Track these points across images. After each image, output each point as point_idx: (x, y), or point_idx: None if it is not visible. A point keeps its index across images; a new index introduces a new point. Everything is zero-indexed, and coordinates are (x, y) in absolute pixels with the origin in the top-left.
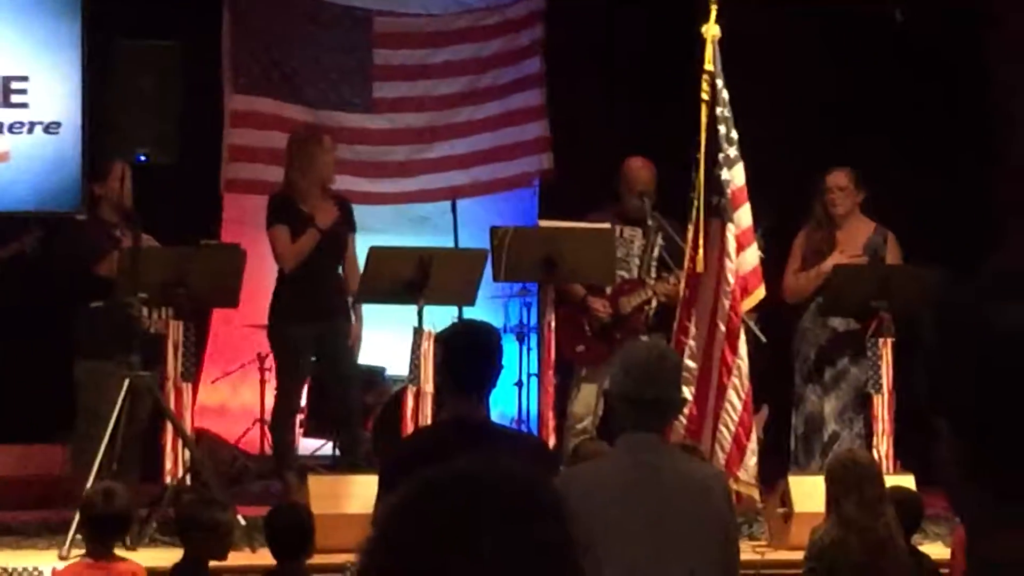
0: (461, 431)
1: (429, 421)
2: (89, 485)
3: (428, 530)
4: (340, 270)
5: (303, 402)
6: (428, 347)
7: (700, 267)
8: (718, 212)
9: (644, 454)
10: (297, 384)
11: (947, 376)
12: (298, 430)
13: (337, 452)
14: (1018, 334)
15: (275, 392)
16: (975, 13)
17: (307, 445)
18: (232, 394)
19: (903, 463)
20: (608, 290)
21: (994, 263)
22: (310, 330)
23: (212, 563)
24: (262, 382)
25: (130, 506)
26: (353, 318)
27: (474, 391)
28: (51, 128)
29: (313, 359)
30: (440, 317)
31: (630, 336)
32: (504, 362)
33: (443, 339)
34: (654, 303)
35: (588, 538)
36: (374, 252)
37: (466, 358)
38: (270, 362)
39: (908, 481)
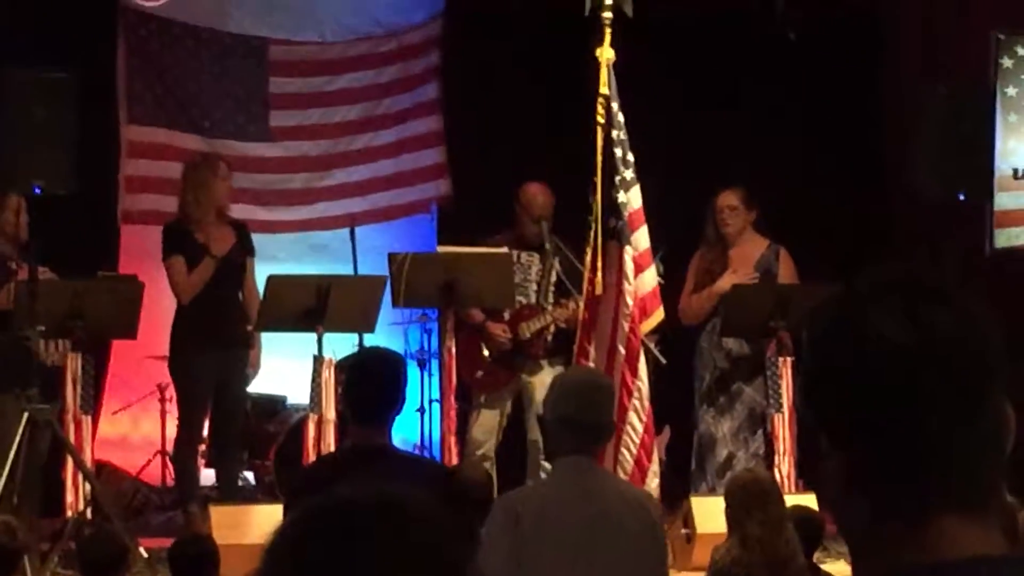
0: (363, 458)
1: (332, 449)
2: None
3: (304, 560)
4: (240, 296)
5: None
6: (328, 375)
7: (599, 290)
8: (616, 235)
9: (584, 476)
10: (199, 414)
11: (821, 386)
12: (199, 460)
13: (215, 483)
14: (885, 341)
15: (177, 423)
16: (869, 28)
17: (208, 475)
18: (133, 426)
19: (805, 482)
20: (507, 316)
21: (867, 273)
22: (211, 359)
23: None
24: (163, 413)
25: (26, 540)
26: (253, 345)
27: (377, 418)
28: None
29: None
30: (340, 344)
31: (529, 362)
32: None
33: (347, 366)
34: (552, 328)
35: (538, 558)
36: (273, 280)
37: (370, 385)
38: (170, 392)
39: (810, 500)
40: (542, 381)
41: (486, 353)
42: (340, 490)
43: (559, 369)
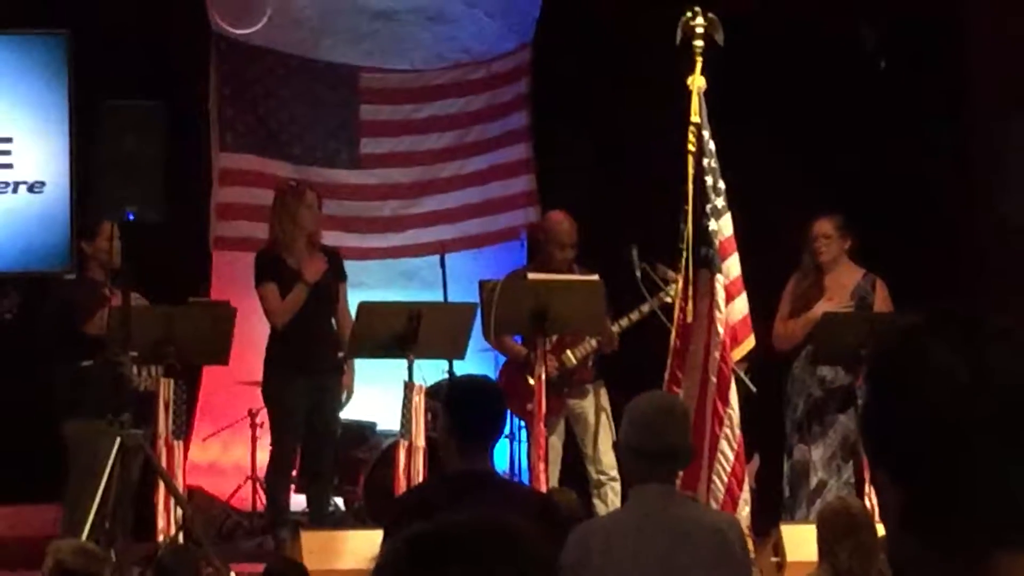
0: (469, 484)
1: (421, 476)
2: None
3: None
4: (333, 322)
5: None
6: (419, 401)
7: (690, 318)
8: (706, 262)
9: (661, 504)
10: (292, 440)
11: (878, 419)
12: (291, 486)
13: (306, 508)
14: (942, 376)
15: (270, 448)
16: (953, 55)
17: (298, 501)
18: (223, 451)
19: None
20: (550, 345)
21: (929, 309)
22: (304, 385)
23: None
24: (253, 439)
25: (98, 568)
26: (346, 371)
27: (483, 444)
28: (35, 187)
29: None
30: (430, 371)
31: (576, 388)
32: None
33: (451, 393)
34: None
35: None
36: (364, 307)
37: (477, 410)
38: (261, 418)
39: None
40: (590, 405)
41: (532, 383)
42: (447, 516)
43: (603, 391)
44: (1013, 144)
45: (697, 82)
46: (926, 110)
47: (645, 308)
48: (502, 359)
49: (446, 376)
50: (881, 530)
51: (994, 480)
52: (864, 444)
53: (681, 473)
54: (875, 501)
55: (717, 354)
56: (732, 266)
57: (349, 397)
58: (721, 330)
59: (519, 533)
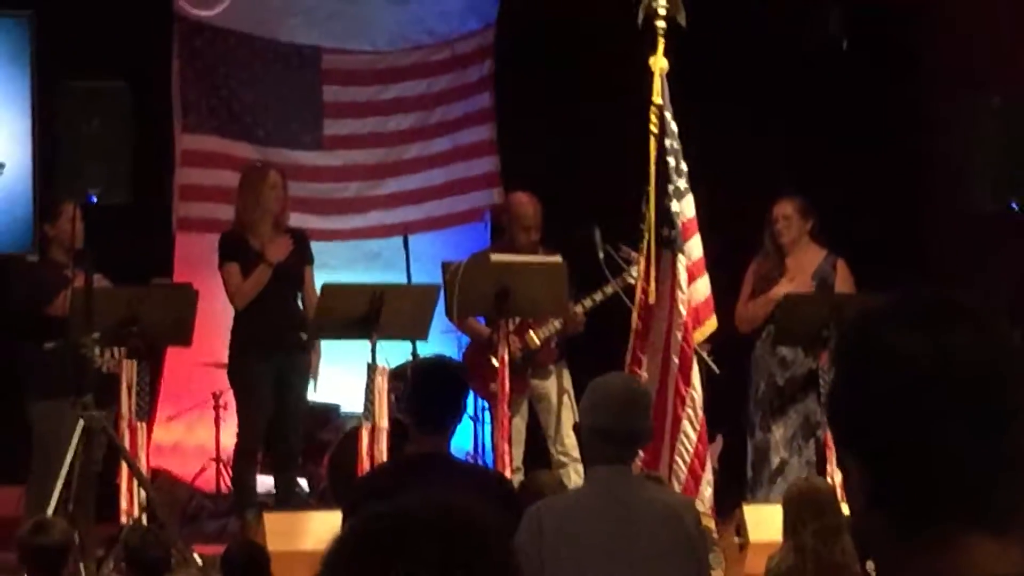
0: (424, 466)
1: (385, 457)
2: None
3: (363, 567)
4: (299, 303)
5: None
6: (382, 383)
7: (652, 299)
8: (668, 243)
9: (616, 485)
10: (258, 421)
11: (847, 403)
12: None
13: (272, 490)
14: (904, 360)
15: (237, 430)
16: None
17: (264, 482)
18: (187, 433)
19: None
20: (513, 326)
21: (893, 293)
22: (269, 366)
23: None
24: (217, 420)
25: (66, 538)
26: (312, 352)
27: (440, 426)
28: None
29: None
30: (393, 352)
31: (539, 369)
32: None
33: (410, 374)
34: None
35: (560, 570)
36: (327, 288)
37: (433, 393)
38: (224, 400)
39: None
40: (553, 386)
41: (496, 364)
42: (400, 499)
43: (565, 372)
44: (979, 125)
45: (659, 63)
46: (888, 94)
47: (608, 289)
48: (466, 340)
49: (410, 358)
50: (846, 510)
51: (958, 461)
52: (830, 426)
53: (643, 453)
54: (837, 481)
55: (679, 335)
56: (694, 247)
57: (315, 380)
58: (683, 311)
59: (474, 516)
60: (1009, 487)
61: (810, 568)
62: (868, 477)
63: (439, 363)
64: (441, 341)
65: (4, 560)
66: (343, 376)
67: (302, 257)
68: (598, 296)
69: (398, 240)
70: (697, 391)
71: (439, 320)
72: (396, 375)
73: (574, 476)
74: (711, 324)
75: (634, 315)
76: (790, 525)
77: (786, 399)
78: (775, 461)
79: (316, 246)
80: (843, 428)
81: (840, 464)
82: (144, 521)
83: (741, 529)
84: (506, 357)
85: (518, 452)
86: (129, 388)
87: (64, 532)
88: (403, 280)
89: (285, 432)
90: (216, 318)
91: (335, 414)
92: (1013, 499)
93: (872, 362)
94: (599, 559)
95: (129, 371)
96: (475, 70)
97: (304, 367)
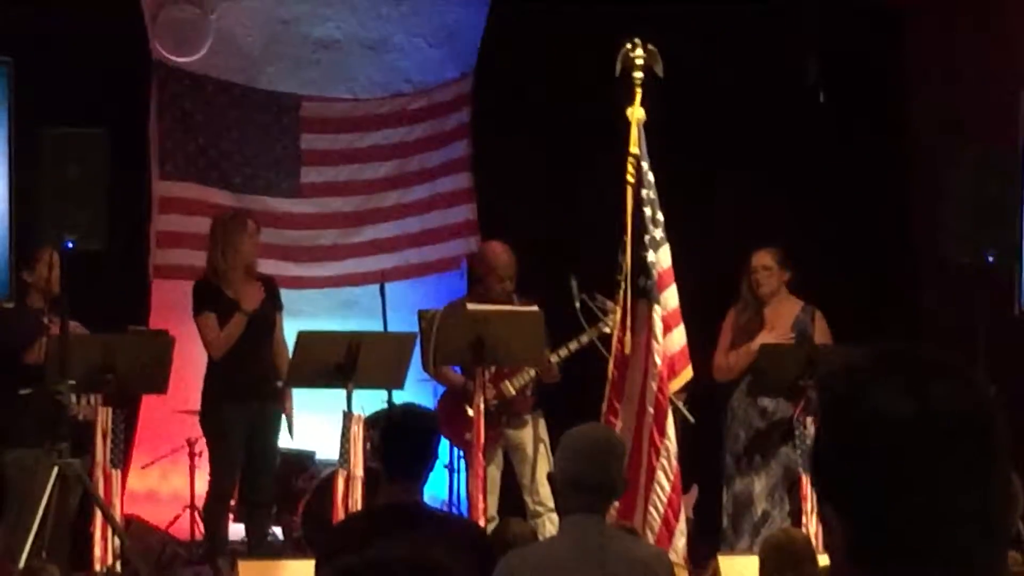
0: (396, 516)
1: (360, 505)
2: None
3: None
4: (270, 350)
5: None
6: (358, 431)
7: (628, 349)
8: (645, 293)
9: (589, 536)
10: (230, 469)
11: (830, 458)
12: (229, 515)
13: (244, 537)
14: (886, 416)
15: (209, 477)
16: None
17: (237, 530)
18: (162, 480)
19: None
20: (489, 375)
21: (872, 348)
22: (242, 414)
23: None
24: (192, 468)
25: None
26: (286, 400)
27: (411, 475)
28: None
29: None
30: (369, 400)
31: (515, 418)
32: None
33: (381, 423)
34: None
35: None
36: (303, 337)
37: (404, 442)
38: (199, 447)
39: None
40: (528, 435)
41: (471, 413)
42: (373, 551)
43: (541, 422)
44: (956, 176)
45: (636, 113)
46: (865, 144)
47: (584, 339)
48: (441, 389)
49: (385, 405)
50: (822, 561)
51: (940, 516)
52: (813, 480)
53: (617, 504)
54: (814, 532)
55: (654, 385)
56: (670, 297)
57: (291, 427)
58: (659, 361)
59: (446, 567)
60: (988, 541)
61: None
62: (850, 532)
63: (409, 411)
64: (417, 389)
65: None
66: (319, 424)
67: (273, 304)
68: (574, 345)
69: (375, 288)
70: (672, 441)
71: (415, 368)
72: (371, 423)
73: (549, 526)
74: (687, 374)
75: (610, 365)
76: None
77: (767, 450)
78: (757, 512)
79: (292, 294)
80: (826, 482)
81: (821, 518)
82: (118, 569)
83: None
84: (481, 406)
85: (493, 501)
86: (104, 435)
87: None
88: (380, 328)
89: (257, 480)
90: (192, 366)
91: (310, 462)
92: (992, 553)
93: (855, 418)
94: None
95: (104, 418)
96: (453, 118)
97: (277, 415)
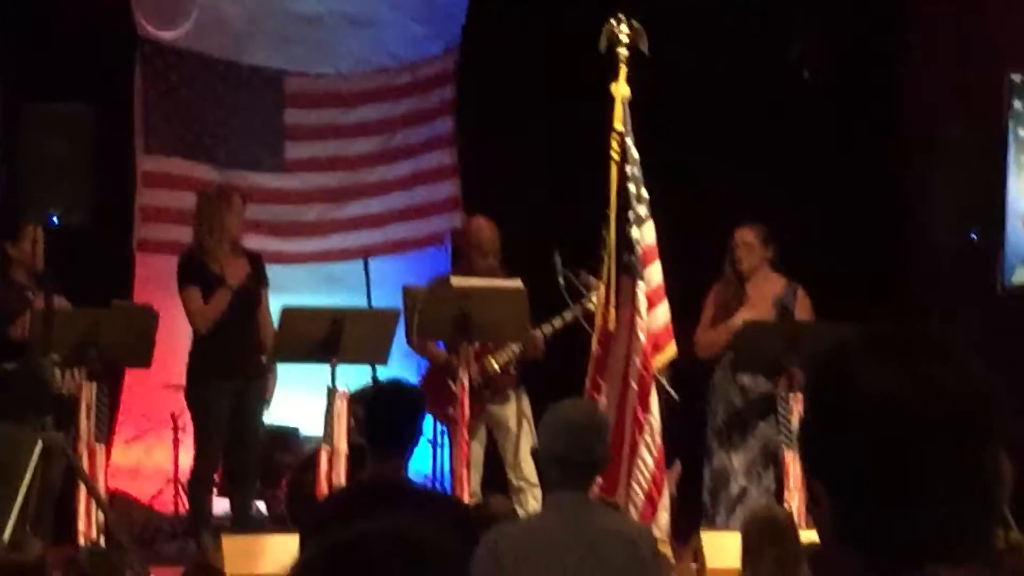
0: (379, 492)
1: (343, 481)
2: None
3: None
4: (255, 326)
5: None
6: (342, 406)
7: (611, 325)
8: (628, 270)
9: (573, 512)
10: (215, 443)
11: (819, 435)
12: (214, 490)
13: (228, 512)
14: (883, 395)
15: (193, 452)
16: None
17: (221, 505)
18: (146, 454)
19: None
20: (472, 351)
21: (867, 327)
22: (227, 389)
23: None
24: (176, 442)
25: (42, 556)
26: (268, 376)
27: (395, 451)
28: None
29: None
30: (353, 376)
31: (498, 395)
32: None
33: (365, 399)
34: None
35: None
36: (287, 312)
37: (387, 418)
38: (183, 422)
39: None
40: (511, 411)
41: (455, 389)
42: (357, 526)
43: (524, 398)
44: (941, 155)
45: (621, 90)
46: (851, 124)
47: (568, 315)
48: (425, 364)
49: (370, 381)
50: (805, 537)
51: (934, 495)
52: (802, 458)
53: (600, 479)
54: (795, 508)
55: (638, 361)
56: (654, 274)
57: (268, 403)
58: (642, 337)
59: (430, 542)
60: (981, 521)
61: None
62: (839, 509)
63: (394, 387)
64: (401, 365)
65: None
66: (303, 399)
67: (258, 280)
68: (557, 322)
69: (359, 264)
70: (655, 417)
71: (399, 344)
72: (356, 399)
73: (532, 502)
74: (670, 351)
75: (593, 341)
76: (749, 552)
77: (745, 425)
78: (735, 488)
79: (276, 269)
80: (816, 460)
81: (810, 494)
82: (102, 543)
83: (699, 556)
84: (466, 382)
85: (476, 477)
86: (88, 410)
87: (40, 550)
88: (364, 304)
89: (242, 455)
90: (176, 340)
91: (294, 437)
92: (984, 533)
93: (848, 396)
94: None
95: (88, 393)
96: (437, 94)
97: (262, 390)
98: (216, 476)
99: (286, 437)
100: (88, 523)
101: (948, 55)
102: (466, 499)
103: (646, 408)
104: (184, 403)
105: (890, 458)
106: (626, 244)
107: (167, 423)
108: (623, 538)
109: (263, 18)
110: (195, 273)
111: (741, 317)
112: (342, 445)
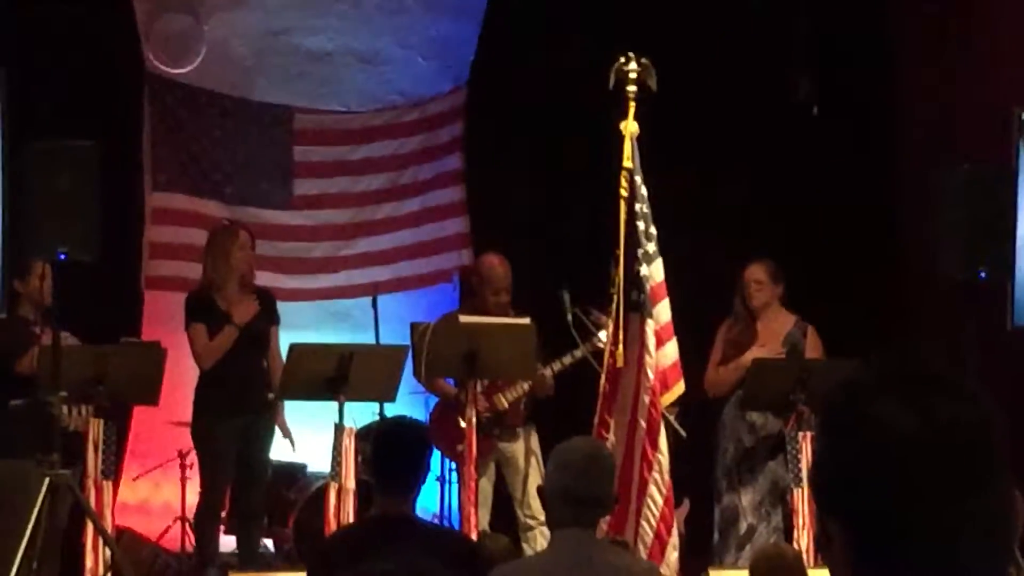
0: (388, 529)
1: (351, 518)
2: None
3: None
4: (264, 364)
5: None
6: (349, 443)
7: (620, 362)
8: (637, 307)
9: (578, 550)
10: (221, 481)
11: (833, 472)
12: (220, 527)
13: (235, 549)
14: (888, 431)
15: (199, 489)
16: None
17: (228, 542)
18: (153, 491)
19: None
20: (482, 387)
21: (873, 361)
22: (233, 426)
23: None
24: (183, 479)
25: None
26: (277, 412)
27: (403, 488)
28: None
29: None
30: (361, 413)
31: (507, 431)
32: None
33: (373, 436)
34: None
35: None
36: (295, 349)
37: (396, 455)
38: (191, 459)
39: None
40: (520, 448)
41: (463, 426)
42: (366, 564)
43: (533, 435)
44: (949, 193)
45: (630, 127)
46: (858, 160)
47: (577, 353)
48: (433, 401)
49: (377, 418)
50: None
51: (942, 533)
52: (815, 495)
53: (609, 518)
54: (805, 546)
55: (647, 398)
56: (663, 311)
57: (291, 440)
58: (651, 374)
59: None
60: (994, 556)
61: None
62: (852, 546)
63: (401, 424)
64: (409, 402)
65: None
66: (310, 436)
67: (268, 318)
68: (567, 359)
69: (367, 300)
70: (664, 455)
71: (407, 381)
72: (363, 436)
73: (540, 539)
74: (679, 388)
75: (602, 378)
76: None
77: (754, 463)
78: (743, 527)
79: (284, 306)
80: (830, 497)
81: (823, 532)
82: None
83: None
84: (473, 419)
85: (485, 514)
86: (95, 446)
87: None
88: (372, 341)
89: (248, 492)
90: (184, 377)
91: (302, 473)
92: (995, 565)
93: (859, 432)
94: None
95: (96, 429)
96: (446, 131)
97: (268, 427)
98: (223, 513)
99: (293, 473)
100: (95, 560)
101: (955, 90)
102: (474, 536)
103: (655, 446)
104: (191, 440)
105: (896, 494)
106: (635, 282)
107: (175, 460)
108: None
109: (271, 55)
110: (202, 310)
111: (752, 355)
112: (350, 482)
